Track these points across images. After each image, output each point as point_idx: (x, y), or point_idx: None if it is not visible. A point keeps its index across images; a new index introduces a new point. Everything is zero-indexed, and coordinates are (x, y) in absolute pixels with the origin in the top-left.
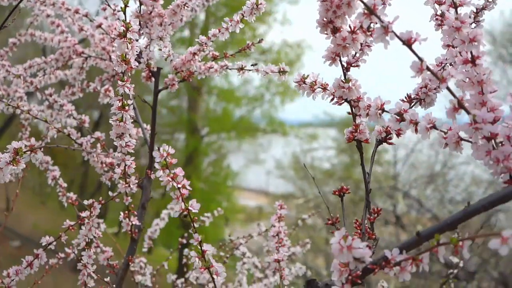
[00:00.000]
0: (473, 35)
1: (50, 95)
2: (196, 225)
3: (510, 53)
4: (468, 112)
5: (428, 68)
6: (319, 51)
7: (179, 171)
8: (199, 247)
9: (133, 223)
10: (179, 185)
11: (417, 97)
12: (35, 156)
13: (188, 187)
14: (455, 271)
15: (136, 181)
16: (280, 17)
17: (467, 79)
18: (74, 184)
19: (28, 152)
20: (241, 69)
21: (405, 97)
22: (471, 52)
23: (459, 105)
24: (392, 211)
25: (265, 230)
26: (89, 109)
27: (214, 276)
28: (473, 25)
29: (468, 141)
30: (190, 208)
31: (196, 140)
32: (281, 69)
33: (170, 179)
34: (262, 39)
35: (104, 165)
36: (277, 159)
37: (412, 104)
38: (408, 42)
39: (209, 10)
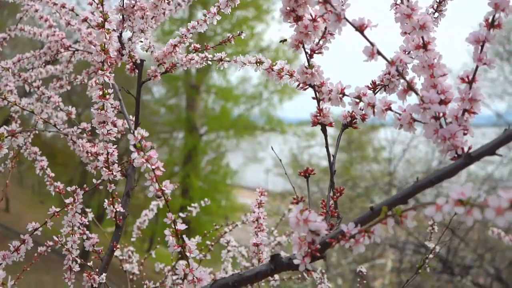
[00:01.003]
0: (423, 22)
1: (38, 87)
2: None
3: (507, 50)
4: (417, 94)
5: (378, 52)
6: None
7: (153, 153)
8: (173, 226)
9: (117, 210)
10: (154, 167)
11: (381, 83)
12: (16, 141)
13: (162, 169)
14: (431, 256)
15: (119, 169)
16: (278, 15)
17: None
18: (73, 182)
19: (9, 137)
20: (220, 60)
21: (370, 84)
22: (422, 38)
23: (409, 87)
24: None
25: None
26: (87, 108)
27: (187, 254)
28: (436, 14)
29: (420, 121)
30: (163, 188)
31: (195, 138)
32: (258, 60)
33: (145, 161)
34: (242, 32)
35: (89, 155)
36: (276, 157)
37: (377, 90)
38: (360, 28)
39: (206, 9)
